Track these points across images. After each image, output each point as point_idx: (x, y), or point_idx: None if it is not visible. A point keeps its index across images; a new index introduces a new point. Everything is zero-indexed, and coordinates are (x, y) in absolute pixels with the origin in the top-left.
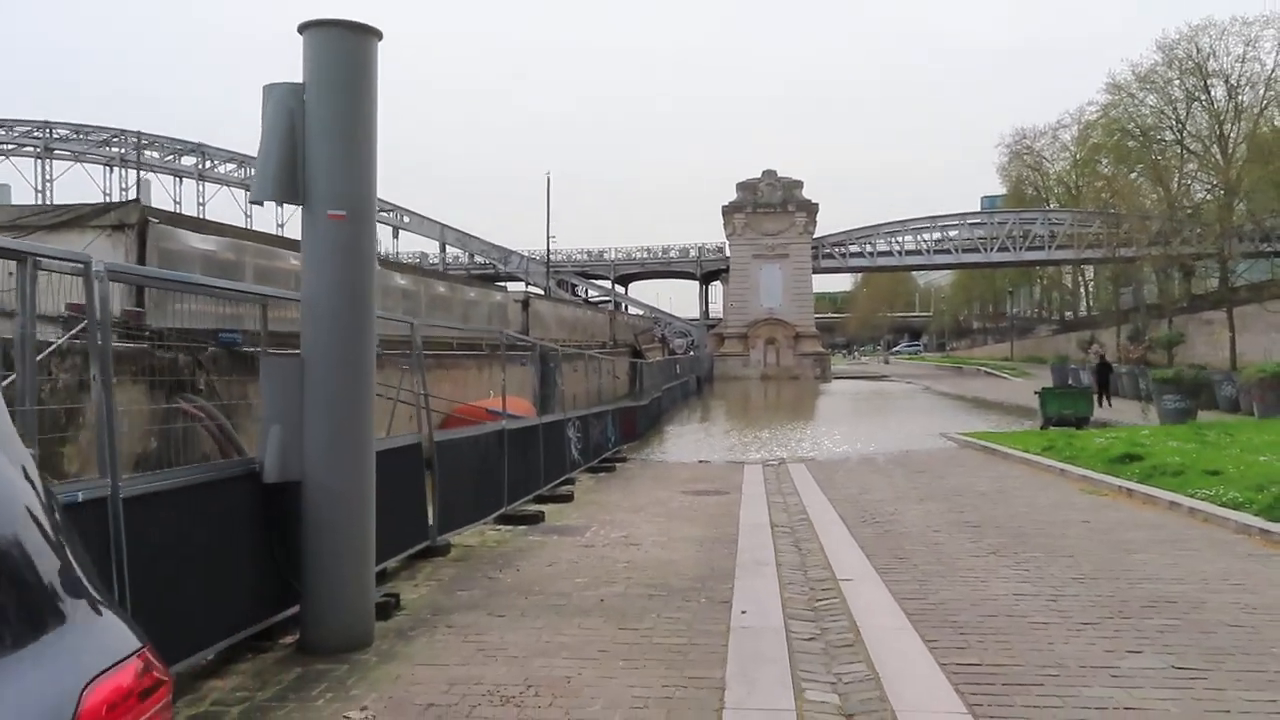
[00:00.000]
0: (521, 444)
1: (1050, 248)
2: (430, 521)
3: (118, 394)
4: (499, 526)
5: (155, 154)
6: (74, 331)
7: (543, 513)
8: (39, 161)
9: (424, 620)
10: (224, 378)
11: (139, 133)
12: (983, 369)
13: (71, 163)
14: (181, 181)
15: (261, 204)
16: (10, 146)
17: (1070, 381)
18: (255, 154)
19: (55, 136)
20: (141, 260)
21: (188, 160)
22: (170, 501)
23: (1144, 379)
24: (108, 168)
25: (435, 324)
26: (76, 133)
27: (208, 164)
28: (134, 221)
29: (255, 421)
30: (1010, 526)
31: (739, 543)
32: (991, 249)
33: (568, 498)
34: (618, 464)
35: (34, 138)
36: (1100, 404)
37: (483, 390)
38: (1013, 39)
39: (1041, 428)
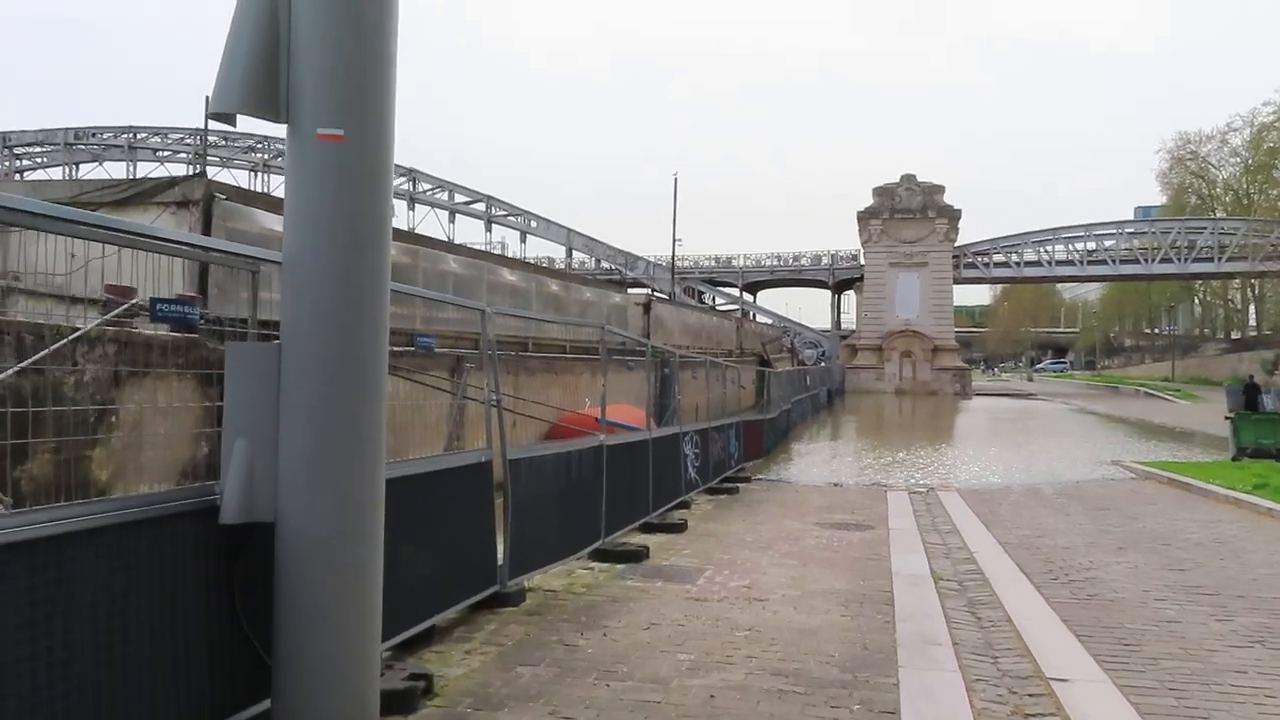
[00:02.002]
0: (626, 462)
1: (1220, 260)
2: (500, 561)
3: (153, 388)
4: (592, 564)
5: None
6: (111, 315)
7: (647, 548)
8: (190, 168)
9: (461, 719)
10: None
11: (276, 137)
12: (1141, 389)
13: (219, 168)
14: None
15: (225, 120)
16: (166, 153)
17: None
18: None
19: (171, 140)
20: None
21: None
22: (86, 549)
23: None
24: (253, 172)
25: (511, 312)
26: (224, 139)
27: None
28: (198, 198)
29: None
30: (1260, 597)
31: (895, 604)
32: (1152, 260)
33: (680, 527)
34: (740, 485)
35: (186, 144)
36: None
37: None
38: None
39: (1234, 459)
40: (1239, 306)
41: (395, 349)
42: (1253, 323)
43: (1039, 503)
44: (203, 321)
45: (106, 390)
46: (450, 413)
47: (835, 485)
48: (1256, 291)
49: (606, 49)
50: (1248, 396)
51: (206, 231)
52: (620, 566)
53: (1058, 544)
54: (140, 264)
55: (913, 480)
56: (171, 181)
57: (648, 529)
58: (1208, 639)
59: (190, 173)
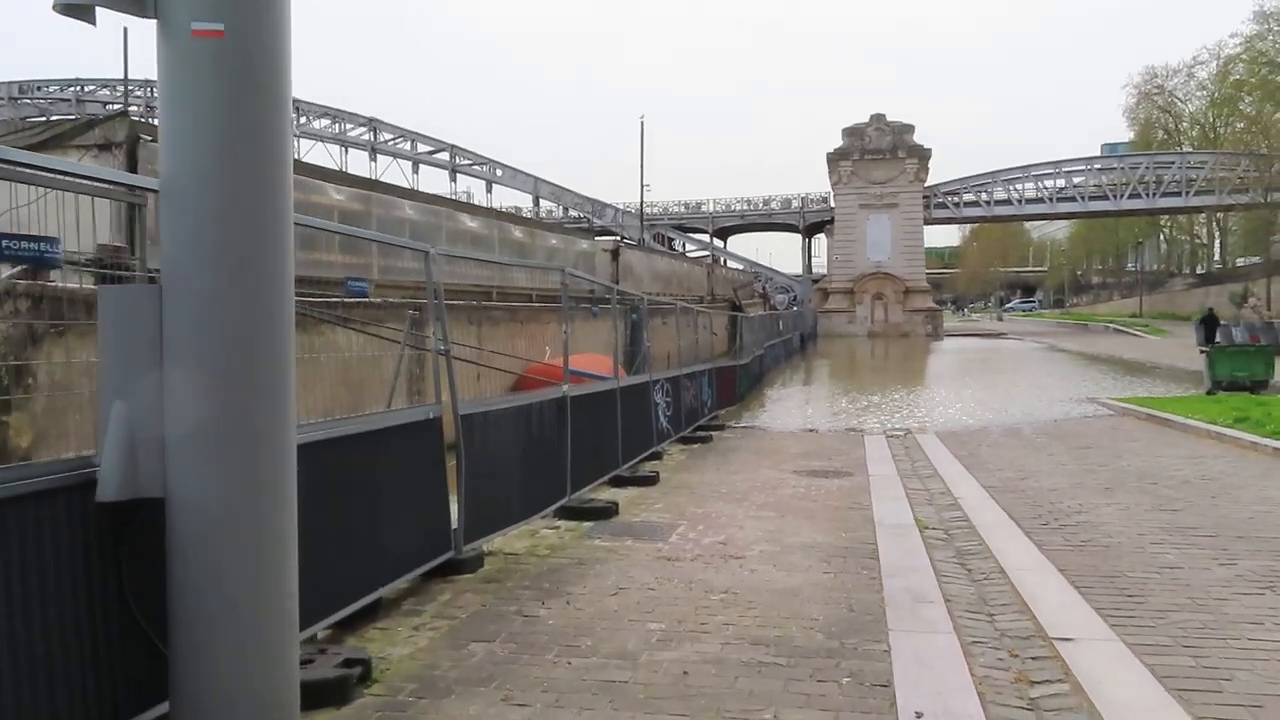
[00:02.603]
0: (592, 413)
1: (1188, 194)
2: (454, 525)
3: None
4: (558, 523)
5: None
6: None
7: (616, 503)
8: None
9: (400, 711)
10: None
11: None
12: (1111, 326)
13: None
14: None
15: (82, 16)
16: (118, 105)
17: (1231, 339)
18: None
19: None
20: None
21: None
22: None
23: None
24: None
25: (457, 253)
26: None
27: (302, 119)
28: (121, 139)
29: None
30: (1260, 538)
31: (881, 558)
32: (1121, 196)
33: (651, 479)
34: (714, 433)
35: (138, 96)
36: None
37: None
38: None
39: (1209, 392)
40: (1205, 241)
41: (347, 300)
42: (1218, 257)
43: (1019, 443)
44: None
45: (21, 349)
46: (397, 367)
47: (811, 431)
48: (1222, 225)
49: None
50: (1207, 328)
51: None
52: (588, 525)
53: (1043, 486)
54: (57, 210)
55: (889, 423)
56: (90, 123)
57: (618, 483)
58: (1214, 586)
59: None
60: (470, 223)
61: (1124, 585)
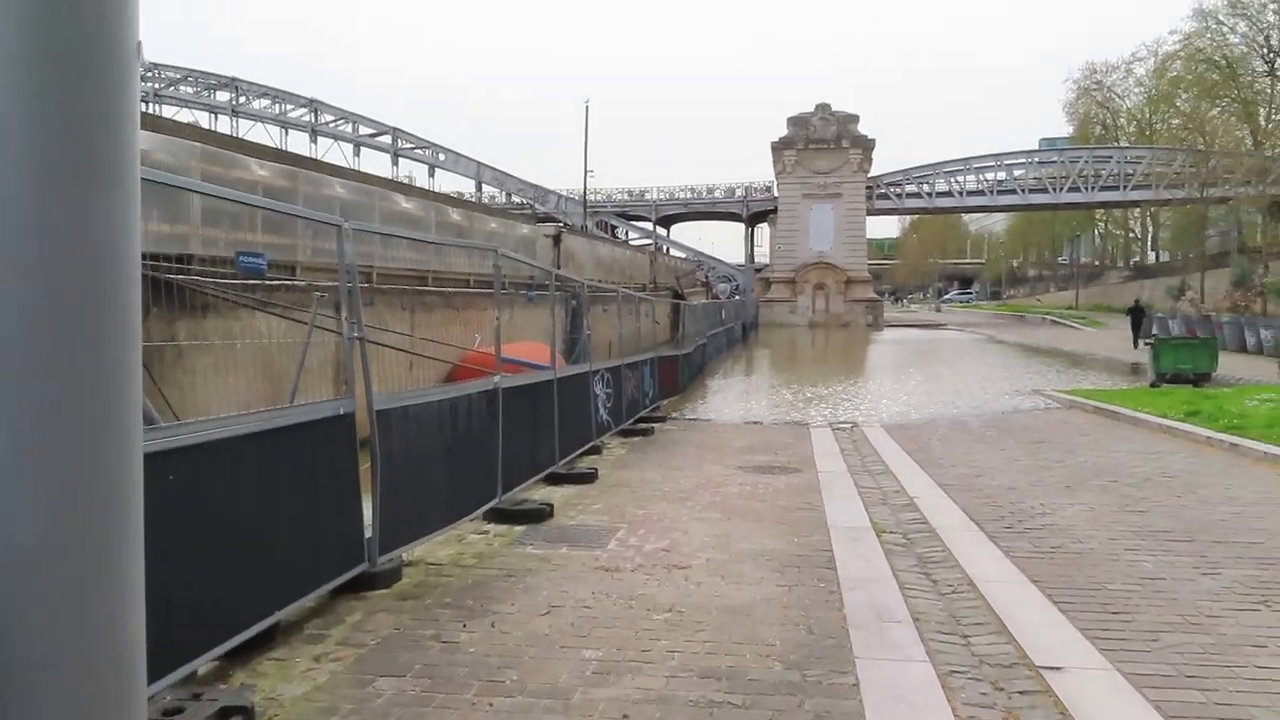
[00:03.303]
0: (527, 406)
1: (1126, 188)
2: (368, 534)
3: None
4: (488, 527)
5: (189, 89)
6: None
7: (551, 505)
8: None
9: None
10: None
11: (175, 66)
12: (1048, 318)
13: None
14: (216, 117)
15: None
16: None
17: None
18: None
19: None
20: None
21: (221, 96)
22: None
23: (1267, 330)
24: (144, 104)
25: (373, 229)
26: None
27: (240, 99)
28: None
29: (188, 374)
30: (1237, 542)
31: (838, 567)
32: (1061, 189)
33: (590, 477)
34: (656, 425)
35: None
36: (1137, 347)
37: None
38: None
39: (1152, 384)
40: (1139, 235)
41: (271, 281)
42: (1151, 251)
43: (969, 437)
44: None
45: None
46: (302, 356)
47: (756, 423)
48: (1155, 219)
49: None
50: (1133, 319)
51: None
52: (520, 529)
53: (1000, 484)
54: None
55: (835, 416)
56: None
57: (554, 480)
58: (1202, 600)
59: None
60: (405, 204)
61: (1106, 600)
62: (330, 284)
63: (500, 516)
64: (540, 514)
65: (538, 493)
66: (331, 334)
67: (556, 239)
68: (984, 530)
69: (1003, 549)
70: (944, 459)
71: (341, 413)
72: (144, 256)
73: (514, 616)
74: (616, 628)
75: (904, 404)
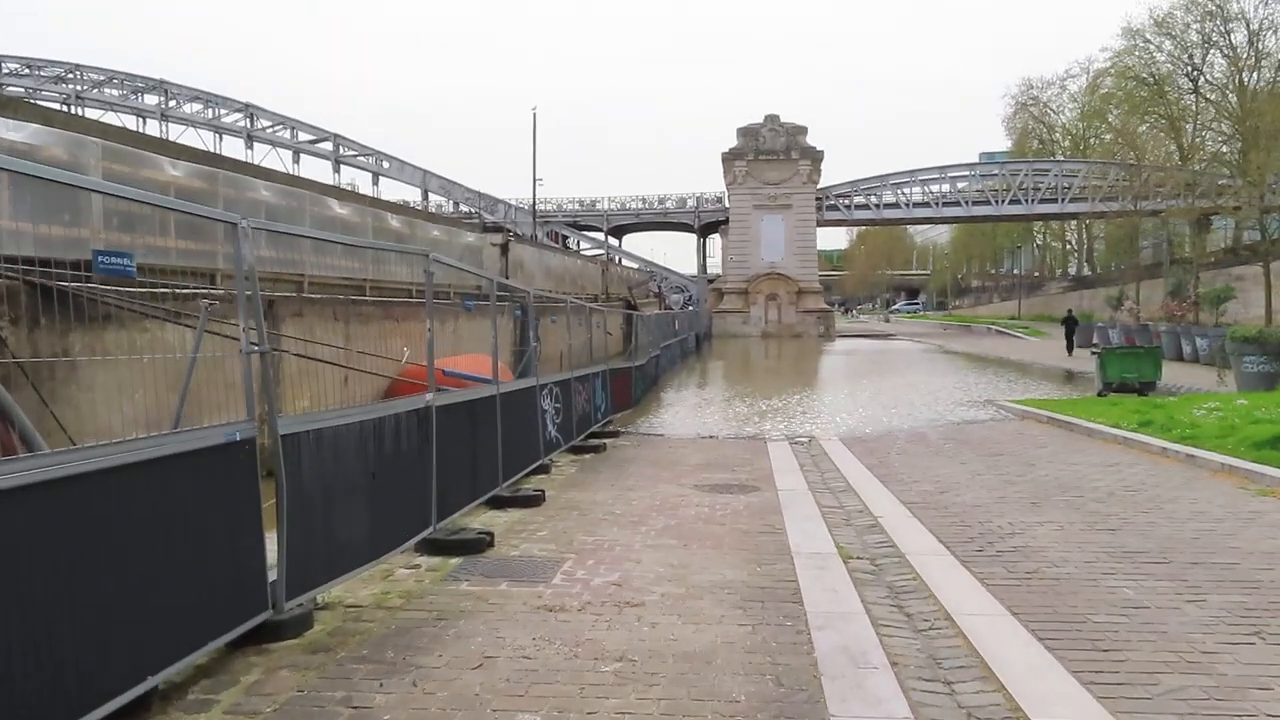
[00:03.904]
0: (466, 424)
1: (1064, 200)
2: (273, 576)
3: None
4: (419, 560)
5: (114, 91)
6: None
7: (491, 533)
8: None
9: None
10: (19, 324)
11: (97, 68)
12: (993, 328)
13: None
14: (145, 122)
15: None
16: None
17: (1109, 341)
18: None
19: (5, 71)
20: None
21: (150, 99)
22: None
23: (1203, 339)
24: (64, 106)
25: (276, 228)
26: (29, 67)
27: (170, 102)
28: None
29: (85, 391)
30: (1215, 564)
31: (805, 600)
32: (1002, 202)
33: (535, 499)
34: (608, 440)
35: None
36: (1071, 354)
37: (449, 348)
38: None
39: (1100, 393)
40: (1075, 247)
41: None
42: (1085, 262)
43: (928, 449)
44: None
45: None
46: (188, 373)
47: (711, 438)
48: (1089, 232)
49: None
50: (1067, 328)
51: None
52: (455, 562)
53: (965, 501)
54: None
55: (792, 429)
56: None
57: (497, 504)
58: (1194, 633)
59: None
60: (340, 209)
61: (1093, 635)
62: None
63: (434, 548)
64: (479, 544)
65: (478, 519)
66: (200, 337)
67: (504, 248)
68: (955, 554)
69: (977, 576)
70: (905, 474)
71: (238, 438)
72: (31, 262)
73: (440, 672)
74: (559, 683)
75: (860, 416)
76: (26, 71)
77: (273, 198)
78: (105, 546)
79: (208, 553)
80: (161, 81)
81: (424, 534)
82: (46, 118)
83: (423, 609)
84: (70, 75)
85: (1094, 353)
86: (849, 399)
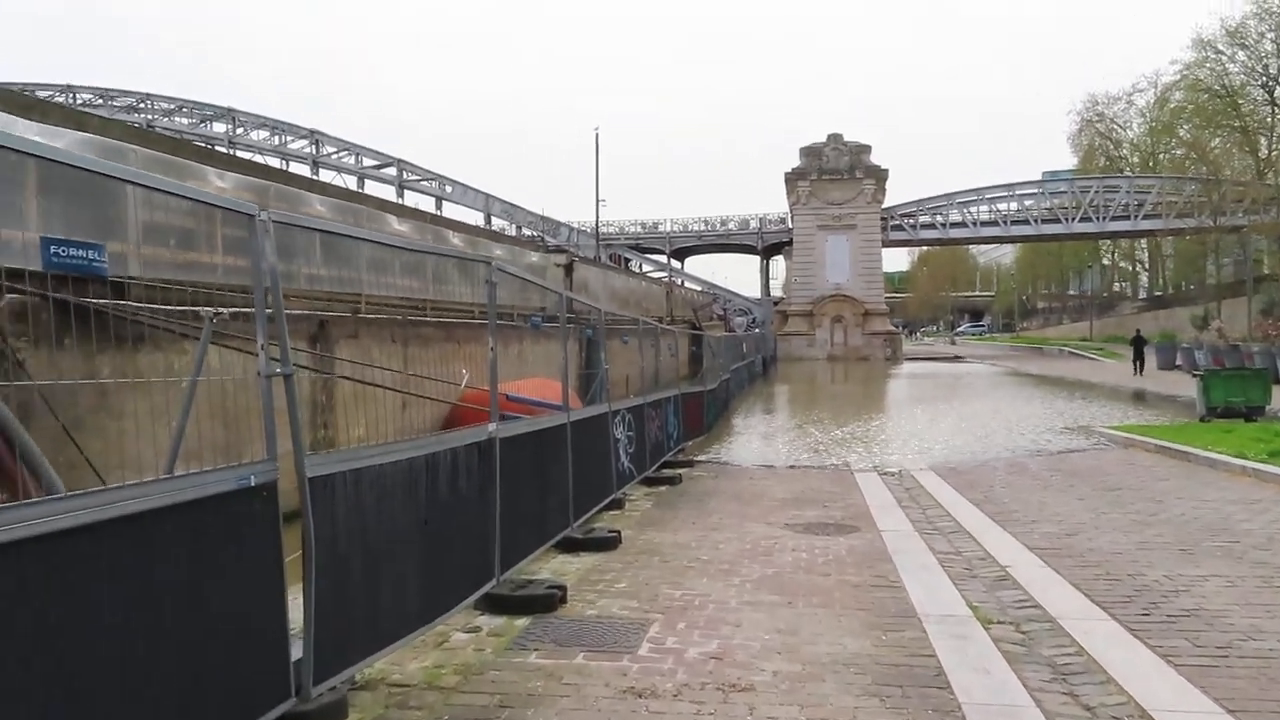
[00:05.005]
0: (533, 458)
1: (1136, 217)
2: (297, 654)
3: None
4: (481, 620)
5: (184, 119)
6: None
7: (563, 587)
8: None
9: None
10: (33, 343)
11: (168, 97)
12: (1065, 349)
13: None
14: (212, 148)
15: None
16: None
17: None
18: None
19: (80, 102)
20: None
21: (218, 127)
22: None
23: None
24: None
25: (308, 224)
26: (101, 97)
27: (238, 130)
28: None
29: (115, 419)
30: None
31: (953, 686)
32: (1073, 219)
33: (611, 541)
34: (682, 470)
35: (114, 104)
36: (1136, 374)
37: (513, 371)
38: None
39: (1202, 418)
40: (1146, 265)
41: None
42: (1159, 281)
43: (1034, 482)
44: None
45: None
46: (187, 403)
47: (792, 468)
48: (1160, 250)
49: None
50: (1135, 348)
51: None
52: (522, 623)
53: (1101, 547)
54: None
55: (877, 458)
56: None
57: (568, 547)
58: None
59: None
60: (398, 225)
61: None
62: (305, 313)
63: (497, 605)
64: (549, 601)
65: (546, 566)
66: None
67: (568, 268)
68: (1117, 619)
69: (1157, 651)
70: (1018, 511)
71: (254, 484)
72: (53, 278)
73: None
74: None
75: (947, 444)
76: (100, 101)
77: (328, 212)
78: (68, 635)
79: (210, 632)
80: (230, 109)
81: (485, 588)
82: (80, 122)
83: (483, 690)
84: (142, 105)
85: (1195, 375)
86: (930, 425)
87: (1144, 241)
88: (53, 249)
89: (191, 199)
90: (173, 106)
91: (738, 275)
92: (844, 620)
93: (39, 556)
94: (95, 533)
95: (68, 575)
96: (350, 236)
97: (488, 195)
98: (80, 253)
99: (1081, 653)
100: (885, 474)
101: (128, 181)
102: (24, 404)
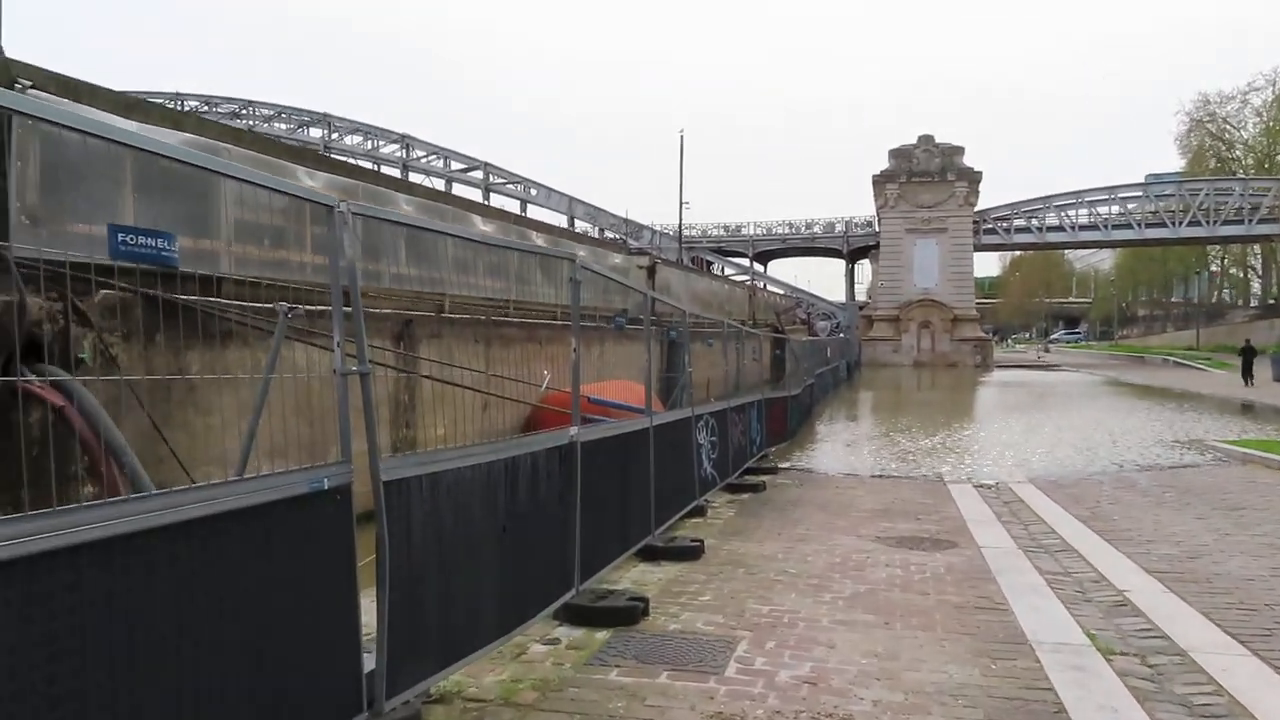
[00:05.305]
0: (615, 463)
1: (1251, 221)
2: (370, 665)
3: None
4: (559, 632)
5: (283, 125)
6: None
7: (645, 599)
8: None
9: None
10: (126, 339)
11: (268, 103)
12: (1169, 359)
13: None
14: (303, 147)
15: None
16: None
17: None
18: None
19: (185, 110)
20: (3, 150)
21: (315, 132)
22: None
23: None
24: None
25: (385, 215)
26: (206, 104)
27: (333, 135)
28: None
29: (203, 415)
30: None
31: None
32: (1179, 224)
33: (694, 551)
34: (765, 478)
35: (214, 110)
36: (1246, 384)
37: (594, 373)
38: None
39: None
40: (1260, 272)
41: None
42: (1269, 287)
43: (1146, 499)
44: None
45: None
46: (259, 402)
47: (880, 477)
48: (1278, 255)
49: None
50: (1244, 358)
51: (4, 136)
52: (602, 636)
53: (1230, 572)
54: None
55: (970, 468)
56: None
57: (648, 555)
58: None
59: None
60: (483, 225)
61: None
62: (390, 312)
63: (577, 616)
64: (631, 613)
65: (627, 575)
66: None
67: (651, 270)
68: (1258, 655)
69: None
70: (1131, 530)
71: (327, 487)
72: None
73: None
74: None
75: (1046, 456)
76: (205, 109)
77: (414, 212)
78: (133, 642)
79: (279, 641)
80: (325, 115)
81: (565, 598)
82: (178, 122)
83: (563, 708)
84: (244, 111)
85: None
86: (1026, 436)
87: (1257, 247)
88: (120, 236)
89: (268, 188)
90: (272, 112)
91: (821, 279)
92: (947, 645)
93: (96, 561)
94: (159, 537)
95: (127, 580)
96: (432, 230)
97: (571, 198)
98: (149, 241)
99: (1221, 692)
100: (981, 486)
101: (210, 170)
102: (114, 398)
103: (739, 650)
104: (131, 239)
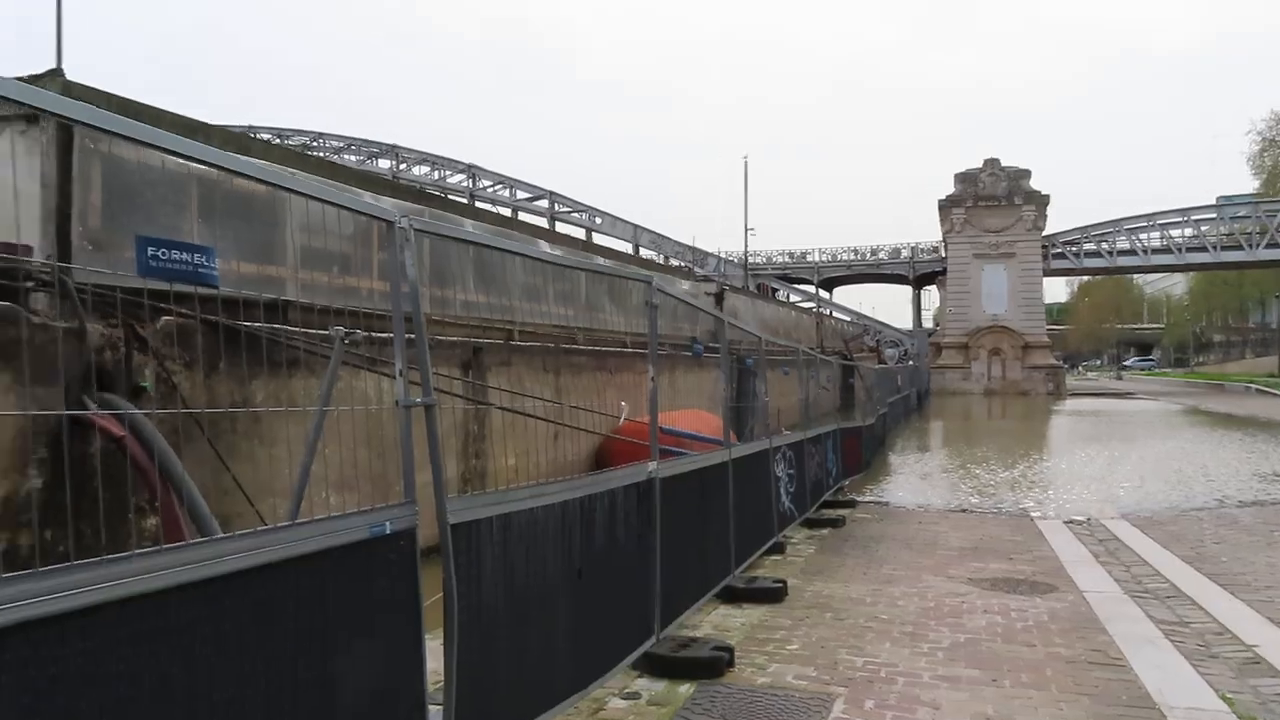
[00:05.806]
0: (694, 499)
1: None
2: None
3: None
4: (637, 684)
5: (351, 157)
6: None
7: (728, 649)
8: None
9: None
10: (188, 366)
11: (338, 135)
12: (1252, 386)
13: None
14: (370, 174)
15: None
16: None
17: None
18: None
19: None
20: (66, 173)
21: (383, 163)
22: None
23: None
24: None
25: (451, 233)
26: (279, 136)
27: (401, 165)
28: None
29: (265, 446)
30: None
31: None
32: (1258, 246)
33: (776, 592)
34: (844, 512)
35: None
36: None
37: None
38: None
39: None
40: None
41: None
42: None
43: (1254, 538)
44: None
45: None
46: (314, 438)
47: (963, 511)
48: None
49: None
50: None
51: (66, 159)
52: (685, 690)
53: None
54: None
55: (1057, 502)
56: None
57: (729, 598)
58: None
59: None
60: (549, 250)
61: None
62: (459, 339)
63: (657, 666)
64: (715, 665)
65: (708, 618)
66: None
67: (719, 297)
68: None
69: None
70: (1245, 574)
71: (389, 531)
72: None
73: None
74: None
75: (1135, 490)
76: (277, 140)
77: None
78: (155, 714)
79: (337, 700)
80: (393, 146)
81: (645, 647)
82: (243, 147)
83: None
84: (315, 143)
85: None
86: (1110, 468)
87: None
88: (150, 250)
89: (326, 201)
90: (342, 144)
91: (887, 306)
92: (1066, 709)
93: (135, 622)
94: (198, 592)
95: (158, 643)
96: (499, 249)
97: (636, 226)
98: (184, 256)
99: None
100: (1071, 522)
101: (270, 183)
102: (176, 429)
103: (835, 710)
104: (163, 253)
